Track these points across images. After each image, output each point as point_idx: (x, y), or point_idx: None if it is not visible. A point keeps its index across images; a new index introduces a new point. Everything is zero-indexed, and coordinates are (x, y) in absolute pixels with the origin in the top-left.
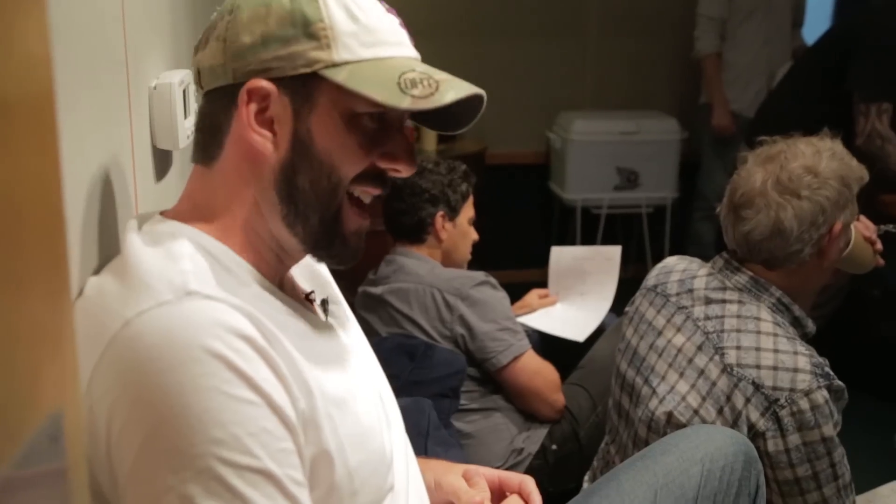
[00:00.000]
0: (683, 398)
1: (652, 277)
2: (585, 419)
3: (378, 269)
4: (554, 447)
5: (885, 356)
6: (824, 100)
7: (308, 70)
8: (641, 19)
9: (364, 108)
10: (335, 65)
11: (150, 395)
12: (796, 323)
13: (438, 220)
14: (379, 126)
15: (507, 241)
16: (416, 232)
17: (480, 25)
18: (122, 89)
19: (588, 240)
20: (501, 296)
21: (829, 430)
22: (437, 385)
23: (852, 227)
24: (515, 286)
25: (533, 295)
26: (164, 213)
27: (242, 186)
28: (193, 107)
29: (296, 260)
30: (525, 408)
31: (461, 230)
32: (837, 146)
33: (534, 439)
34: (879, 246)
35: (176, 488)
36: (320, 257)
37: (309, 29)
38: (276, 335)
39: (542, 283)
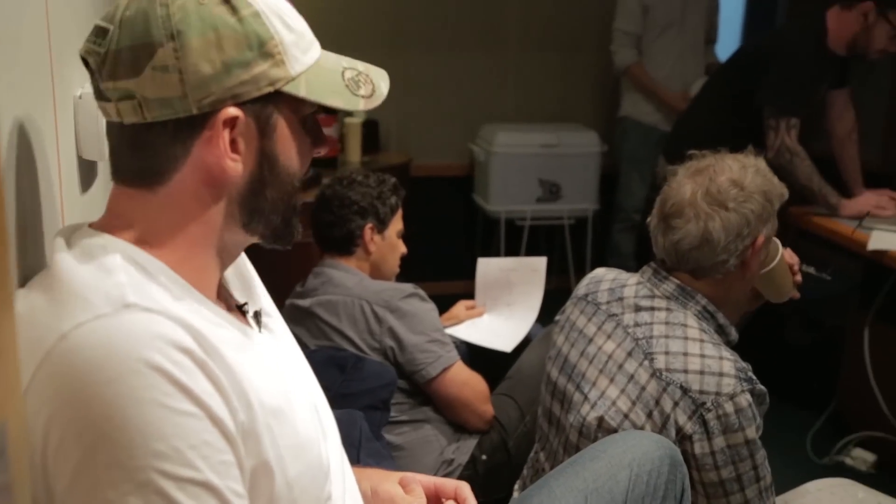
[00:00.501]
0: (614, 403)
1: (582, 287)
2: (514, 429)
3: (306, 282)
4: (484, 457)
5: (791, 362)
6: (737, 114)
7: (271, 89)
8: (561, 34)
9: (310, 111)
10: (292, 79)
11: (90, 409)
12: (720, 330)
13: (367, 232)
14: (313, 121)
15: (431, 252)
16: (344, 244)
17: (404, 39)
18: (48, 98)
19: (512, 251)
20: (430, 308)
21: (752, 432)
22: (368, 397)
23: (779, 252)
24: (440, 298)
25: (460, 306)
26: (92, 225)
27: (199, 207)
28: None
29: (234, 258)
30: (454, 419)
31: (390, 243)
32: (761, 163)
33: (463, 450)
34: (799, 278)
35: (116, 502)
36: (271, 244)
37: (264, 49)
38: (215, 346)
39: (467, 295)
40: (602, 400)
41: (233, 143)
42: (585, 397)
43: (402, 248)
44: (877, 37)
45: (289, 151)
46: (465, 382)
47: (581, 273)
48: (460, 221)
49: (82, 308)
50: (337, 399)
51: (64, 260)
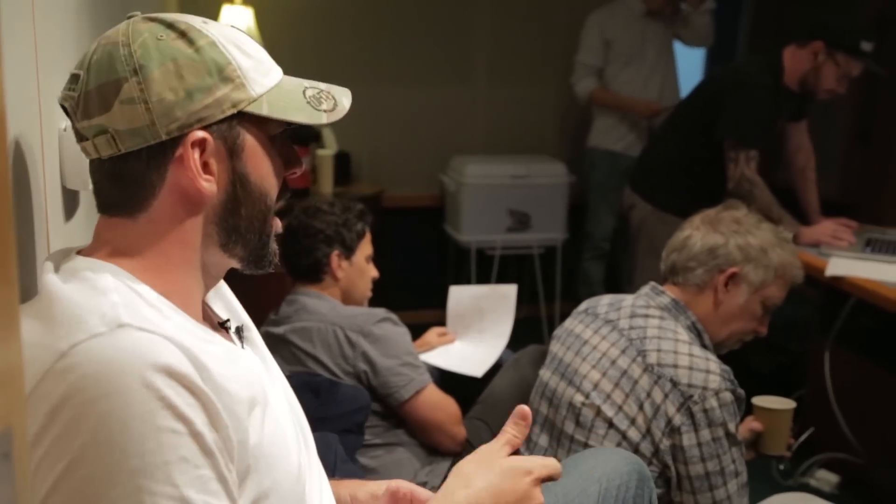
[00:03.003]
0: (609, 396)
1: (583, 304)
2: None
3: (279, 310)
4: None
5: (755, 387)
6: (699, 145)
7: (234, 111)
8: (528, 68)
9: (277, 130)
10: (253, 100)
11: (78, 425)
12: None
13: (334, 259)
14: (282, 141)
15: (404, 282)
16: (313, 272)
17: (375, 72)
18: (35, 129)
19: (483, 280)
20: (402, 332)
21: (733, 427)
22: (343, 421)
23: (792, 406)
24: (413, 326)
25: (432, 333)
26: (80, 252)
27: (178, 229)
28: None
29: (217, 281)
30: (428, 441)
31: (358, 268)
32: (789, 240)
33: (437, 472)
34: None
35: None
36: (251, 269)
37: (223, 74)
38: (203, 363)
39: (439, 324)
40: (596, 392)
41: (205, 165)
42: (578, 389)
43: (373, 272)
44: (825, 76)
45: (260, 171)
46: (438, 405)
47: (551, 301)
48: (432, 251)
49: (78, 327)
50: (312, 423)
51: (55, 283)
